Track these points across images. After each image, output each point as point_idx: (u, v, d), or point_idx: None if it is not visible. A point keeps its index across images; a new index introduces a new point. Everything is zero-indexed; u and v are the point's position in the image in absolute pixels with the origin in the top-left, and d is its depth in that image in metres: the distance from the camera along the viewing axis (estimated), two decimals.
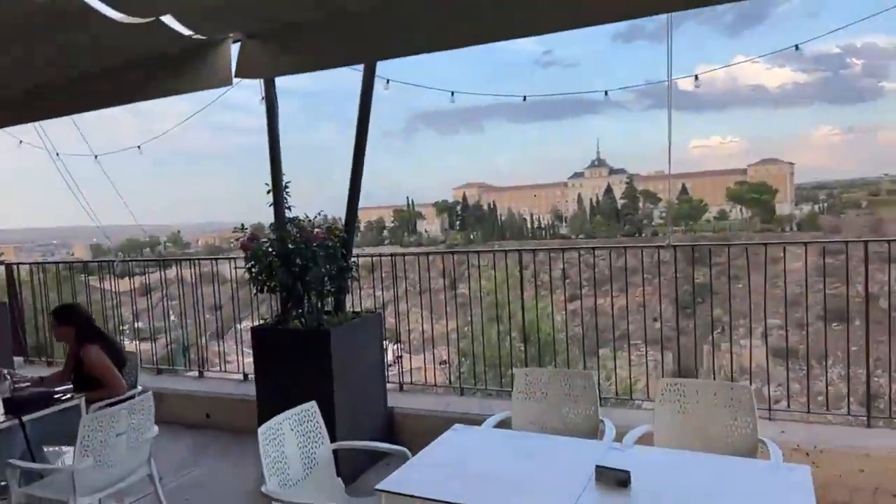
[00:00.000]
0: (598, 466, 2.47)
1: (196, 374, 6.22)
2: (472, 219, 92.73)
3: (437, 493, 2.43)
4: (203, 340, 6.41)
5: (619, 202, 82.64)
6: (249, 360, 4.82)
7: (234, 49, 4.15)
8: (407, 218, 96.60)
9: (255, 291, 4.56)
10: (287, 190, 4.68)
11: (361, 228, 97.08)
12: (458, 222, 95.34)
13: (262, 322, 4.72)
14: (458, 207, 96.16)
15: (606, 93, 5.64)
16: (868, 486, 3.54)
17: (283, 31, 4.13)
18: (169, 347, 7.42)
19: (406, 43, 3.74)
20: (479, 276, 6.29)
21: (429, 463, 2.83)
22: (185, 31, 4.06)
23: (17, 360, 6.91)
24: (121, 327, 7.58)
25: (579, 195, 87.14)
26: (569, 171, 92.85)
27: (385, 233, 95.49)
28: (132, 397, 4.40)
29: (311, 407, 3.20)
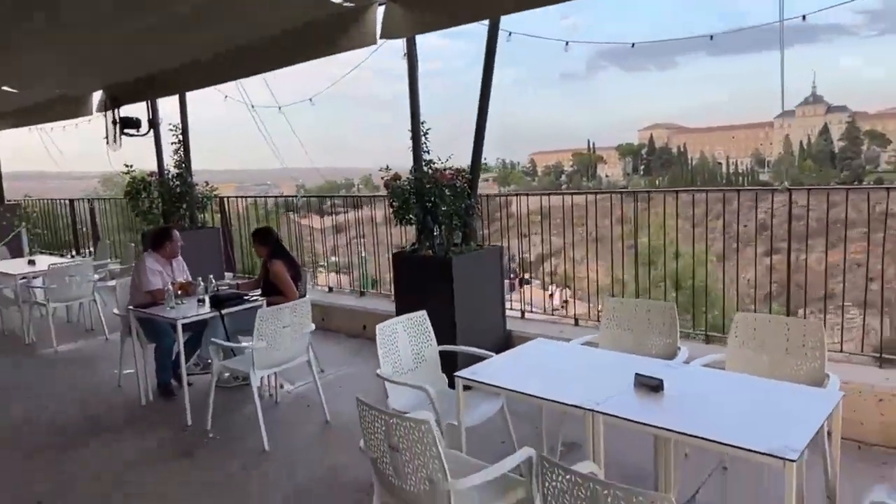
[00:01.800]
0: (636, 374, 2.88)
1: (357, 294, 7.35)
2: (658, 163, 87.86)
3: (497, 380, 3.02)
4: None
5: (837, 144, 72.94)
6: None
7: (379, 13, 4.86)
8: (587, 162, 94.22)
9: (395, 223, 5.37)
10: (427, 136, 5.36)
11: (539, 173, 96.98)
12: (642, 167, 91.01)
13: (400, 249, 5.54)
14: (644, 151, 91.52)
15: (804, 17, 5.27)
16: None
17: None
18: (361, 278, 8.60)
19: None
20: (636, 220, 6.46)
21: (506, 362, 3.43)
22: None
23: (228, 275, 8.60)
24: (318, 261, 9.07)
25: (787, 136, 78.29)
26: (776, 109, 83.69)
27: (563, 177, 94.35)
28: None
29: (422, 315, 3.92)
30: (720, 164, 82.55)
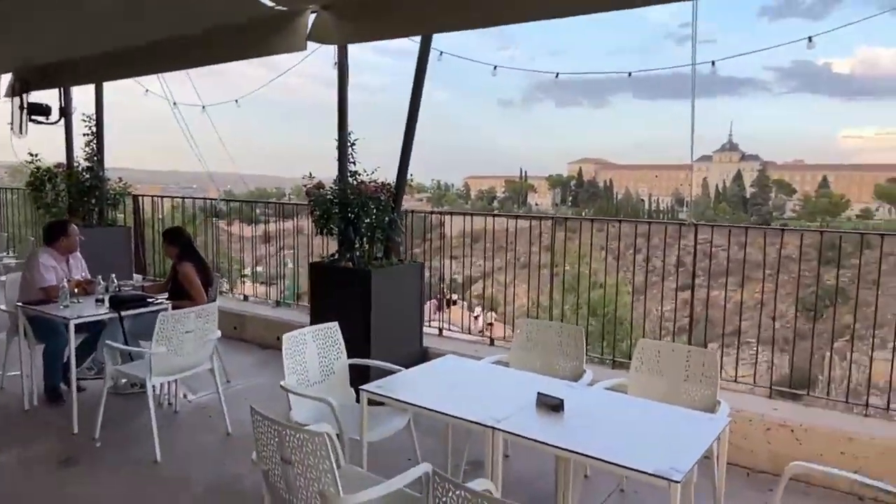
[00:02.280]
0: (539, 393, 2.90)
1: (273, 304, 7.15)
2: (585, 195, 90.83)
3: (401, 395, 2.98)
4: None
5: (749, 190, 77.70)
6: None
7: (311, 19, 4.79)
8: (518, 189, 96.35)
9: (315, 232, 5.26)
10: (353, 147, 5.31)
11: (472, 196, 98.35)
12: (570, 198, 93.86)
13: (319, 259, 5.44)
14: (573, 183, 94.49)
15: (714, 63, 5.51)
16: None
17: (353, 5, 4.66)
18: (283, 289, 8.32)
19: (459, 20, 4.21)
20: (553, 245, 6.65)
21: (414, 377, 3.40)
22: (269, 3, 4.75)
23: (136, 276, 8.17)
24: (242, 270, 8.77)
25: (705, 179, 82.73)
26: (696, 153, 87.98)
27: (495, 203, 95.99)
28: None
29: (333, 326, 3.84)
30: (643, 200, 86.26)
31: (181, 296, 5.10)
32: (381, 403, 3.10)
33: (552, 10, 3.74)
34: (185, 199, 8.28)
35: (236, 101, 6.84)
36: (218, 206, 7.68)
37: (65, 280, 4.67)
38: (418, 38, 4.95)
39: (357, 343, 4.91)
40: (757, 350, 7.00)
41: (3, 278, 5.37)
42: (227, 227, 9.19)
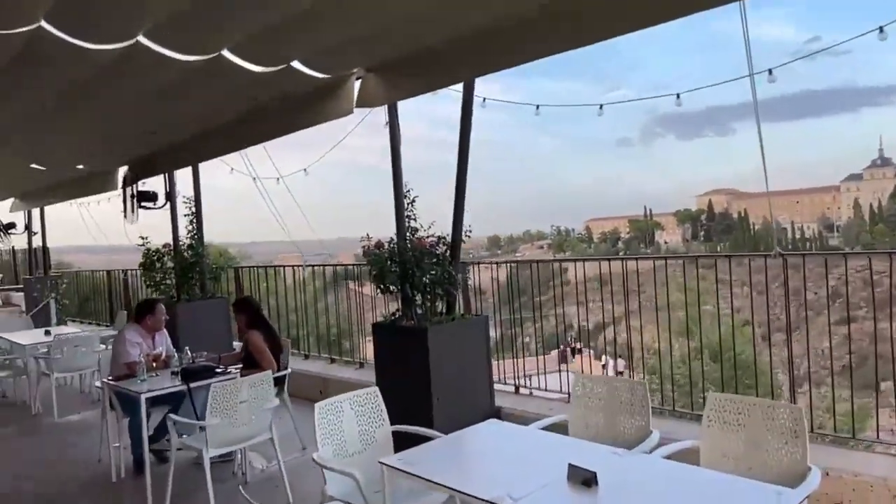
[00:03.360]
0: (569, 465, 2.52)
1: (357, 366, 7.15)
2: (719, 228, 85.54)
3: (422, 467, 2.72)
4: None
5: None
6: None
7: (356, 84, 4.86)
8: (644, 228, 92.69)
9: (377, 291, 5.19)
10: (413, 203, 5.24)
11: (595, 240, 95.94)
12: (702, 233, 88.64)
13: (381, 319, 5.34)
14: (703, 216, 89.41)
15: (770, 72, 4.82)
16: None
17: (394, 65, 4.67)
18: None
19: (497, 62, 4.08)
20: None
21: (445, 446, 3.11)
22: (315, 73, 4.88)
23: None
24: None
25: (856, 200, 75.15)
26: (842, 173, 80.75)
27: (619, 244, 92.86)
28: (281, 378, 5.34)
29: (372, 391, 3.66)
30: (784, 229, 79.72)
31: (253, 365, 5.19)
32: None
33: (584, 38, 3.49)
34: (279, 268, 8.62)
35: (304, 170, 7.12)
36: (305, 273, 7.92)
37: (140, 356, 4.91)
38: (460, 88, 4.85)
39: (420, 405, 4.72)
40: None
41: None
42: (361, 287, 9.36)
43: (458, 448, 3.14)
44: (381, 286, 5.02)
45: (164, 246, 8.18)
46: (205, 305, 8.01)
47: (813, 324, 5.25)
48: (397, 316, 5.11)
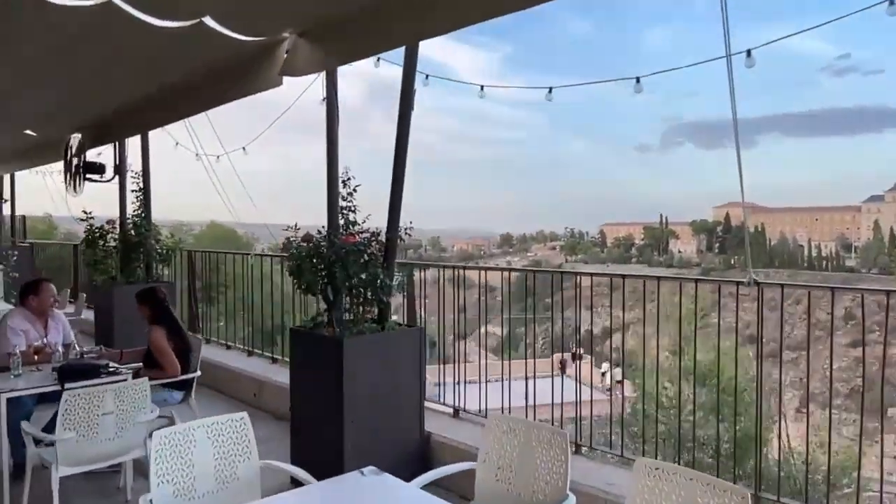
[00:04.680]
0: None
1: None
2: (734, 241, 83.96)
3: None
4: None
5: None
6: None
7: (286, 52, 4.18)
8: (658, 236, 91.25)
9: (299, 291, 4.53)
10: (354, 193, 4.56)
11: (609, 244, 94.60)
12: (717, 244, 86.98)
13: (302, 323, 4.68)
14: (719, 228, 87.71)
15: (749, 53, 4.13)
16: None
17: (327, 28, 3.99)
18: None
19: (441, 20, 3.38)
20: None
21: (301, 498, 2.45)
22: (234, 34, 4.19)
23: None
24: None
25: (876, 221, 73.38)
26: (863, 193, 78.93)
27: (633, 251, 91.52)
28: (188, 382, 4.70)
29: (240, 418, 3.00)
30: (801, 246, 78.14)
31: (154, 365, 4.56)
32: None
33: None
34: (229, 255, 7.98)
35: (244, 148, 6.46)
36: (252, 261, 7.27)
37: (16, 348, 4.26)
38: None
39: (330, 428, 4.06)
40: None
41: None
42: None
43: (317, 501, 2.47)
44: (301, 286, 4.35)
45: (109, 222, 7.57)
46: None
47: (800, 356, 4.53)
48: (318, 321, 4.44)
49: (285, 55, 4.09)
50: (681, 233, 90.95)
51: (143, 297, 4.79)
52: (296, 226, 4.59)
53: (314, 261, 4.24)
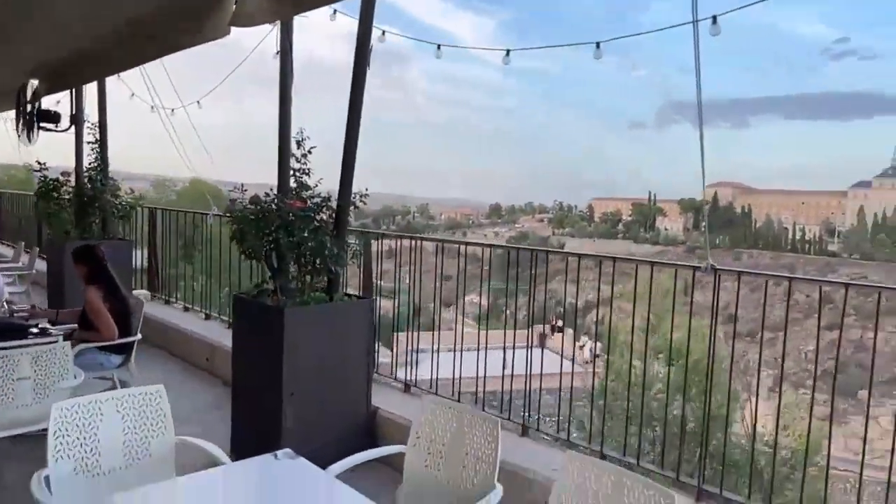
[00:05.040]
0: None
1: None
2: (720, 221, 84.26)
3: None
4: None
5: None
6: None
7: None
8: (646, 213, 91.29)
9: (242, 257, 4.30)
10: (308, 154, 4.30)
11: (596, 219, 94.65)
12: (703, 223, 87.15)
13: (246, 291, 4.46)
14: (706, 207, 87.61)
15: (715, 20, 3.96)
16: None
17: None
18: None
19: None
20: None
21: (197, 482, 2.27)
22: None
23: (143, 293, 7.68)
24: None
25: (861, 207, 73.72)
26: (851, 179, 79.11)
27: (620, 226, 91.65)
28: (127, 346, 4.49)
29: (157, 391, 2.79)
30: (786, 228, 78.60)
31: (90, 327, 4.33)
32: None
33: None
34: (190, 213, 7.69)
35: (198, 102, 6.15)
36: (210, 220, 7.00)
37: None
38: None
39: (269, 401, 3.89)
40: None
41: None
42: None
43: (212, 487, 2.29)
44: (244, 251, 4.12)
45: (64, 174, 7.24)
46: (104, 247, 7.10)
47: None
48: (262, 289, 4.23)
49: (234, 5, 3.81)
50: (668, 210, 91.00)
51: (78, 255, 4.54)
52: (242, 186, 4.33)
53: (260, 224, 4.00)
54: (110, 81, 6.90)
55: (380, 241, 5.01)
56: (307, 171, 4.33)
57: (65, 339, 4.10)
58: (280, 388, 3.79)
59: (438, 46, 4.32)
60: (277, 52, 4.30)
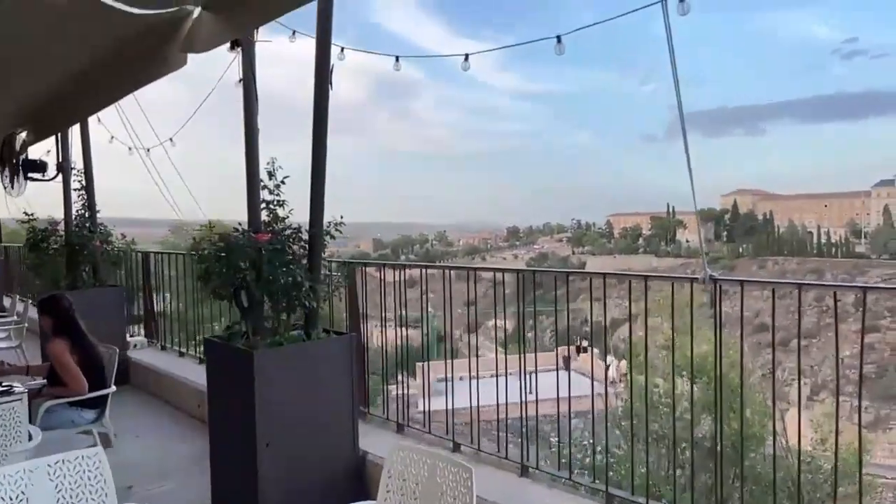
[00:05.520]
0: None
1: None
2: (741, 229, 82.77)
3: None
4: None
5: None
6: None
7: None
8: (666, 225, 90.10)
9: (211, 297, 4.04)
10: (280, 185, 4.05)
11: (616, 235, 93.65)
12: (724, 233, 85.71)
13: (218, 333, 4.20)
14: (727, 216, 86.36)
15: None
16: None
17: None
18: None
19: None
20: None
21: None
22: (132, 10, 3.71)
23: (140, 339, 7.48)
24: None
25: (886, 206, 71.99)
26: (873, 178, 77.49)
27: (640, 241, 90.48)
28: (101, 399, 4.24)
29: (94, 454, 2.51)
30: (811, 233, 77.03)
31: (59, 381, 4.09)
32: None
33: None
34: (181, 255, 7.50)
35: (171, 139, 5.98)
36: None
37: None
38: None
39: (245, 451, 3.59)
40: None
41: None
42: None
43: None
44: (212, 291, 3.86)
45: (52, 223, 7.12)
46: (95, 295, 6.94)
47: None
48: (234, 331, 3.95)
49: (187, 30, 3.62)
50: (688, 222, 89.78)
51: (42, 307, 4.33)
52: (210, 224, 4.10)
53: (229, 262, 3.74)
54: (95, 130, 6.80)
55: (363, 269, 4.72)
56: (281, 202, 4.08)
57: (35, 396, 3.87)
58: (254, 438, 3.49)
59: (397, 59, 4.07)
60: (240, 80, 4.09)
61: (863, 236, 74.30)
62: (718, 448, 3.06)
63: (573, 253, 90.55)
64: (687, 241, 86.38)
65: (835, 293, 2.64)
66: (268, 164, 4.03)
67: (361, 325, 4.73)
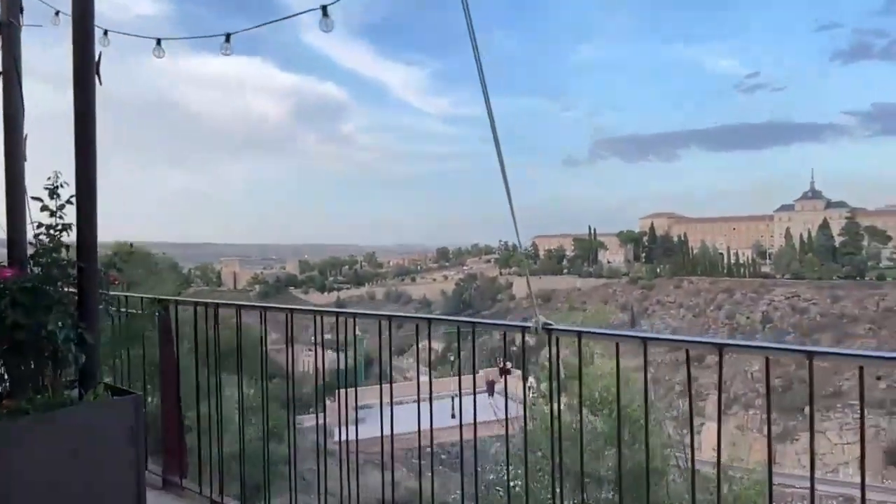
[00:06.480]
0: None
1: None
2: (659, 251, 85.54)
3: None
4: None
5: (837, 239, 70.65)
6: None
7: None
8: (588, 247, 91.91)
9: None
10: (67, 206, 3.17)
11: (541, 256, 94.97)
12: (643, 254, 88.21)
13: None
14: (645, 238, 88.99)
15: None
16: None
17: None
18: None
19: None
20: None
21: None
22: None
23: None
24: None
25: (787, 230, 76.25)
26: (775, 203, 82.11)
27: (564, 262, 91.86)
28: None
29: None
30: (721, 254, 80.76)
31: None
32: None
33: None
34: None
35: None
36: None
37: None
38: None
39: None
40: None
41: None
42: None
43: None
44: None
45: None
46: None
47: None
48: None
49: None
50: (609, 243, 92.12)
51: None
52: None
53: None
54: None
55: (175, 308, 3.86)
56: (67, 226, 3.21)
57: None
58: None
59: (158, 42, 3.31)
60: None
61: (767, 257, 78.49)
62: None
63: (500, 274, 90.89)
64: (608, 262, 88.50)
65: (687, 350, 2.10)
66: (50, 180, 3.17)
67: (179, 378, 3.87)
